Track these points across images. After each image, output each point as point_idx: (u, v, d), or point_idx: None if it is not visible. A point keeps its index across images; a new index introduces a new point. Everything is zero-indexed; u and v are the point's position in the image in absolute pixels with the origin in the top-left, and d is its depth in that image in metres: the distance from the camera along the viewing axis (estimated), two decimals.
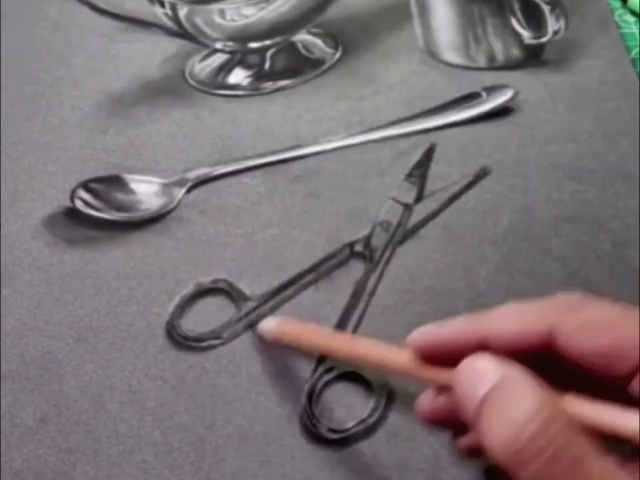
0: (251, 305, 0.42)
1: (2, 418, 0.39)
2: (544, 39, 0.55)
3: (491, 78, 0.56)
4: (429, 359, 0.31)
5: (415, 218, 0.46)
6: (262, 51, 0.61)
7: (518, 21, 0.55)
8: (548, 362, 0.29)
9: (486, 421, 0.28)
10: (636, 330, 0.28)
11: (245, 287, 0.43)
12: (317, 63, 0.61)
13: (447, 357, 0.30)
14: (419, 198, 0.47)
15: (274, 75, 0.61)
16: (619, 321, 0.29)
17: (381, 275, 0.43)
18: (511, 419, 0.27)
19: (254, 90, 0.60)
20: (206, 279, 0.44)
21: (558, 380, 0.29)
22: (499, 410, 0.27)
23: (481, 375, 0.29)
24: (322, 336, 0.37)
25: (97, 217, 0.49)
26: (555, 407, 0.27)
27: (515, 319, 0.30)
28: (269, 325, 0.39)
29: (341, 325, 0.40)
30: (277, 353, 0.40)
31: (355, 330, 0.40)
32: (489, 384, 0.28)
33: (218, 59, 0.63)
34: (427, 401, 0.32)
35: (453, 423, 0.32)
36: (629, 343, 0.28)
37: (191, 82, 0.61)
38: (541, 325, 0.29)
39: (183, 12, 0.57)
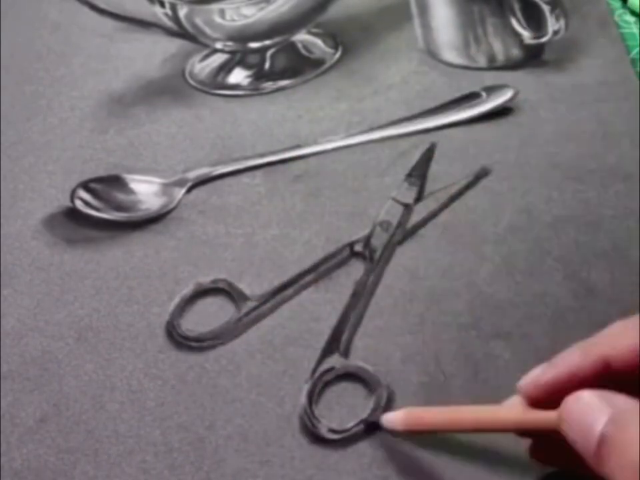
0: (250, 304, 0.42)
1: (2, 418, 0.39)
2: (544, 39, 0.55)
3: (491, 78, 0.56)
4: (543, 402, 0.31)
5: (415, 218, 0.46)
6: (262, 51, 0.61)
7: (518, 21, 0.55)
8: None
9: (609, 462, 0.27)
10: None
11: (245, 286, 0.43)
12: (317, 63, 0.61)
13: (562, 394, 0.30)
14: (418, 198, 0.47)
15: (274, 75, 0.61)
16: None
17: (380, 275, 0.43)
18: (636, 460, 0.26)
19: (254, 90, 0.60)
20: (206, 279, 0.44)
21: None
22: (623, 451, 0.27)
23: (591, 413, 0.28)
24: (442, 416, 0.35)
25: (97, 217, 0.49)
26: None
27: (631, 333, 0.30)
28: (396, 417, 0.36)
29: (340, 325, 0.40)
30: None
31: (354, 330, 0.41)
32: (603, 420, 0.28)
33: (218, 58, 0.63)
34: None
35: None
36: None
37: (191, 82, 0.61)
38: None
39: (183, 12, 0.57)
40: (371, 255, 0.44)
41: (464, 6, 0.56)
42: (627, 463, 0.26)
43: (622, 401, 0.28)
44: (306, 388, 0.38)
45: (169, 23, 0.59)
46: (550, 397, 0.30)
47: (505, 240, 0.44)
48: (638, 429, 0.27)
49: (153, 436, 0.37)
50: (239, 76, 0.61)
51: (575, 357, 0.31)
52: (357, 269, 0.44)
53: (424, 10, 0.58)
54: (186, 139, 0.56)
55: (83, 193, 0.50)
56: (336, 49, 0.62)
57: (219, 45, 0.61)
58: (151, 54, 0.65)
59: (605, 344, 0.30)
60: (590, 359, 0.30)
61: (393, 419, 0.35)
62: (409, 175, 0.48)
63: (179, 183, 0.51)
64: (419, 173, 0.48)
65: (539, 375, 0.31)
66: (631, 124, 0.50)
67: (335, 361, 0.39)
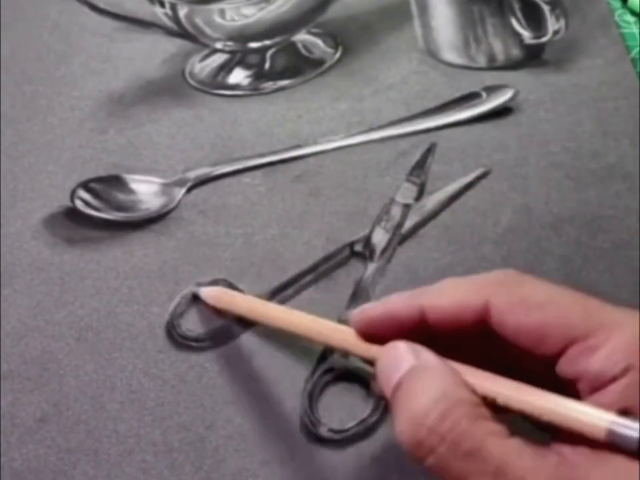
0: None
1: (2, 418, 0.39)
2: (544, 39, 0.55)
3: (490, 78, 0.56)
4: (369, 336, 0.32)
5: (415, 218, 0.46)
6: (262, 50, 0.61)
7: (518, 21, 0.55)
8: (487, 339, 0.29)
9: (395, 410, 0.28)
10: (565, 310, 0.28)
11: (245, 287, 0.43)
12: (316, 63, 0.61)
13: (388, 333, 0.31)
14: (418, 198, 0.47)
15: (274, 75, 0.61)
16: (551, 299, 0.29)
17: (381, 275, 0.43)
18: (414, 410, 0.27)
19: (254, 90, 0.60)
20: (206, 279, 0.44)
21: (496, 359, 0.29)
22: (406, 399, 0.28)
23: (397, 361, 0.29)
24: (259, 305, 0.39)
25: (97, 217, 0.49)
26: (458, 394, 0.27)
27: (451, 292, 0.31)
28: (210, 292, 0.42)
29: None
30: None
31: None
32: (402, 371, 0.29)
33: (218, 58, 0.63)
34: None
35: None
36: (558, 322, 0.28)
37: (191, 82, 0.61)
38: (477, 299, 0.29)
39: (183, 12, 0.57)
40: (371, 255, 0.44)
41: (464, 6, 0.56)
42: (407, 412, 0.28)
43: (426, 355, 0.29)
44: (306, 388, 0.38)
45: (169, 23, 0.59)
46: (376, 331, 0.31)
47: (505, 240, 0.44)
48: (426, 384, 0.28)
49: (152, 436, 0.37)
50: (238, 76, 0.61)
51: (401, 300, 0.31)
52: (356, 269, 0.44)
53: (424, 10, 0.58)
54: (186, 139, 0.56)
55: (83, 193, 0.50)
56: (336, 49, 0.62)
57: (219, 45, 0.61)
58: (151, 54, 0.65)
59: (426, 297, 0.31)
60: (412, 306, 0.31)
61: (208, 292, 0.42)
62: (409, 175, 0.48)
63: (179, 183, 0.51)
64: (419, 173, 0.48)
65: (369, 310, 0.32)
66: (631, 124, 0.50)
67: (334, 361, 0.39)
